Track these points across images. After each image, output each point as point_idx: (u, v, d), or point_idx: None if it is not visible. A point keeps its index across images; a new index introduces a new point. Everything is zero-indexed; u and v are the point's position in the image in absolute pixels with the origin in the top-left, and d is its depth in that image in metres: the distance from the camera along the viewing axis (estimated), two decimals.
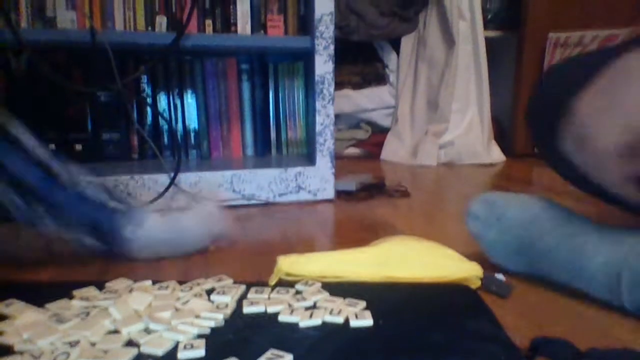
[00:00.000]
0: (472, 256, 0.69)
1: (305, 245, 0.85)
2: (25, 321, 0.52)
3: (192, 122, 1.31)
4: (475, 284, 0.65)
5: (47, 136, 1.21)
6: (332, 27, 1.15)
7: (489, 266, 0.69)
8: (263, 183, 1.17)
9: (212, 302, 0.58)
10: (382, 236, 0.92)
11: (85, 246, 0.75)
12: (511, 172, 1.77)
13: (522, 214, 0.67)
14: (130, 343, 0.50)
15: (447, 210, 1.15)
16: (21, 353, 0.47)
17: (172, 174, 1.04)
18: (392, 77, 2.02)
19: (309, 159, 1.28)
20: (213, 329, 0.52)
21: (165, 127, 1.29)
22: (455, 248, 0.85)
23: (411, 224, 1.01)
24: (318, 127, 1.19)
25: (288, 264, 0.67)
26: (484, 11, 1.93)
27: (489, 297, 0.60)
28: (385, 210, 1.14)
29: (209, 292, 0.61)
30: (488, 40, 1.89)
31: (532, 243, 0.65)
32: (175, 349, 0.48)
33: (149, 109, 1.28)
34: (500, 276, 0.66)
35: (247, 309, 0.57)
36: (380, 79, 2.03)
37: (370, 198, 1.25)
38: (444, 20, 1.87)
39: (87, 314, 0.54)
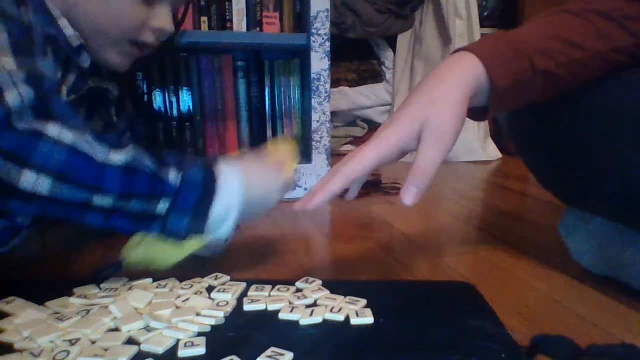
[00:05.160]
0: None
1: (301, 243, 0.85)
2: (26, 319, 0.52)
3: (188, 119, 1.31)
4: None
5: None
6: (328, 24, 1.15)
7: None
8: None
9: (213, 300, 0.58)
10: (378, 234, 0.92)
11: None
12: (507, 169, 1.78)
13: (610, 222, 0.64)
14: (130, 341, 0.49)
15: (443, 207, 1.15)
16: (21, 351, 0.47)
17: None
18: (388, 75, 2.03)
19: (305, 156, 1.28)
20: (214, 327, 0.52)
21: (161, 124, 1.28)
22: (451, 246, 0.86)
23: (407, 222, 1.01)
24: (314, 125, 1.19)
25: None
26: (480, 9, 1.93)
27: (489, 297, 0.60)
28: (381, 207, 1.14)
29: (210, 289, 0.61)
30: None
31: (619, 253, 0.62)
32: (175, 347, 0.48)
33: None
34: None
35: (248, 307, 0.57)
36: (376, 76, 2.03)
37: (367, 195, 1.25)
38: (440, 18, 1.87)
39: (88, 312, 0.54)
